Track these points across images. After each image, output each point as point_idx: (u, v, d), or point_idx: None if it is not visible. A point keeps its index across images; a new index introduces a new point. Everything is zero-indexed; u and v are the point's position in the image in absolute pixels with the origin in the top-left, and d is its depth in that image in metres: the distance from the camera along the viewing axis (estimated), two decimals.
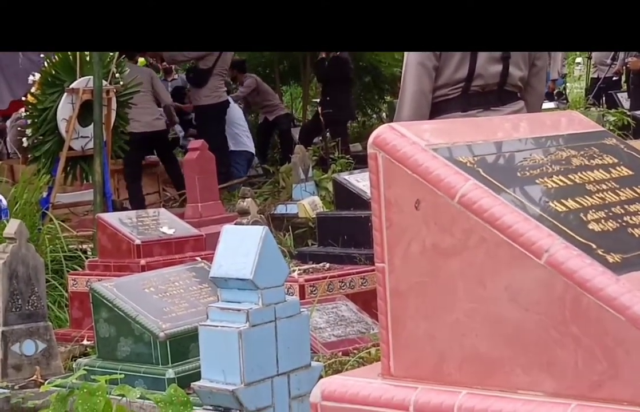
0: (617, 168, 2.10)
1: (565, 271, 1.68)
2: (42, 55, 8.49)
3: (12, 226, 5.28)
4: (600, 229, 1.82)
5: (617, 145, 2.22)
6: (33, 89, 8.19)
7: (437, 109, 4.07)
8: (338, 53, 12.75)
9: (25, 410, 4.57)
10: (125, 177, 11.22)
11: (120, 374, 4.19)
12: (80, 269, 6.80)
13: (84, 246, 7.54)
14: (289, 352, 3.60)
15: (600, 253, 1.72)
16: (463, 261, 1.80)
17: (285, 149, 13.17)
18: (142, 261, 5.97)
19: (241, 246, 3.55)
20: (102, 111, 7.93)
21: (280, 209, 9.60)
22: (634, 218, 1.91)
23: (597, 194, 1.95)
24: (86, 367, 4.38)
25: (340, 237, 6.69)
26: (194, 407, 3.61)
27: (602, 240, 1.77)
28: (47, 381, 4.58)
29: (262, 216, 6.15)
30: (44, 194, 8.17)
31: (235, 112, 12.98)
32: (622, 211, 1.92)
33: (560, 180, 1.96)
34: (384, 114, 16.39)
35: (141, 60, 13.29)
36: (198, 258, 5.54)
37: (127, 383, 3.95)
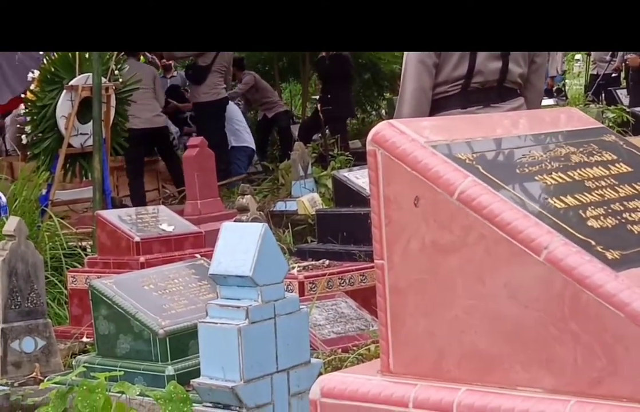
0: (617, 165, 2.10)
1: (565, 268, 1.68)
2: (41, 53, 8.49)
3: (12, 223, 5.28)
4: (599, 226, 1.82)
5: (616, 142, 2.22)
6: (32, 86, 8.19)
7: (436, 106, 4.07)
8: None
9: (25, 407, 4.57)
10: (127, 173, 11.23)
11: (119, 371, 4.19)
12: (80, 266, 6.80)
13: (84, 243, 7.55)
14: (288, 349, 3.60)
15: (600, 250, 1.72)
16: (462, 258, 1.80)
17: (285, 146, 13.19)
18: (142, 258, 5.97)
19: (240, 243, 3.55)
20: (102, 108, 7.93)
21: (280, 206, 9.61)
22: (633, 215, 1.91)
23: (596, 191, 1.95)
24: (86, 365, 4.38)
25: (339, 234, 6.69)
26: (194, 404, 3.61)
27: (601, 237, 1.77)
28: (46, 378, 4.58)
29: (261, 213, 6.14)
30: (43, 191, 8.18)
31: (233, 109, 12.99)
32: (622, 208, 1.92)
33: (560, 177, 1.96)
34: (383, 111, 16.39)
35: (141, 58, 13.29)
36: (197, 255, 5.55)
37: (126, 380, 3.95)
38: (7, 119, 13.80)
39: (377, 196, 1.91)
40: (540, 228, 1.73)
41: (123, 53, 8.96)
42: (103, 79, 8.03)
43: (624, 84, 15.85)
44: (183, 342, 4.39)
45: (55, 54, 8.14)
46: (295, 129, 14.16)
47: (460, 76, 4.05)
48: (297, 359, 3.64)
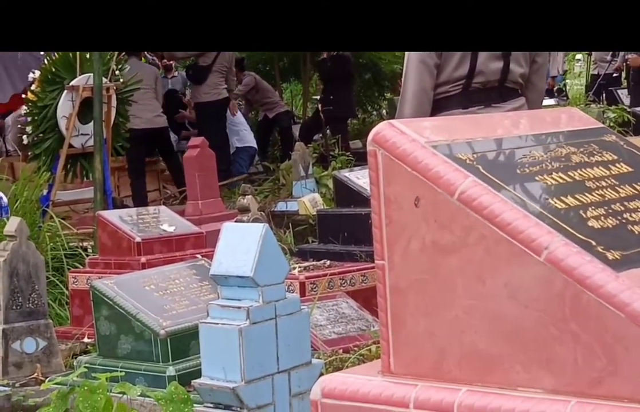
0: (617, 165, 2.10)
1: (565, 268, 1.68)
2: (42, 53, 8.50)
3: (13, 223, 5.28)
4: (599, 226, 1.82)
5: (617, 142, 2.22)
6: (33, 87, 8.19)
7: (438, 106, 4.07)
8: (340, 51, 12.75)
9: (26, 408, 4.57)
10: (129, 174, 11.22)
11: (120, 371, 4.19)
12: (81, 267, 6.81)
13: (85, 244, 7.54)
14: (289, 350, 3.61)
15: (600, 250, 1.72)
16: (462, 258, 1.80)
17: (286, 146, 13.19)
18: (143, 259, 5.97)
19: (241, 243, 3.56)
20: (102, 108, 7.93)
21: (281, 207, 9.61)
22: (633, 215, 1.91)
23: (596, 191, 1.95)
24: (87, 365, 4.38)
25: (340, 234, 6.69)
26: (195, 405, 3.61)
27: (601, 237, 1.77)
28: (47, 379, 4.58)
29: (262, 213, 6.14)
30: (45, 192, 8.18)
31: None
32: (622, 208, 1.92)
33: (560, 177, 1.96)
34: (384, 111, 16.38)
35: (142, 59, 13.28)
36: (198, 256, 5.55)
37: (127, 381, 3.95)
38: (8, 119, 13.80)
39: (378, 196, 1.91)
40: (541, 228, 1.73)
41: (124, 53, 8.96)
42: (104, 79, 8.03)
43: (624, 84, 15.85)
44: (184, 342, 4.39)
45: (56, 54, 8.14)
46: (296, 129, 14.16)
47: (461, 76, 4.05)
48: (298, 360, 3.64)
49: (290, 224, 8.61)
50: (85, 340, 5.75)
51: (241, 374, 3.47)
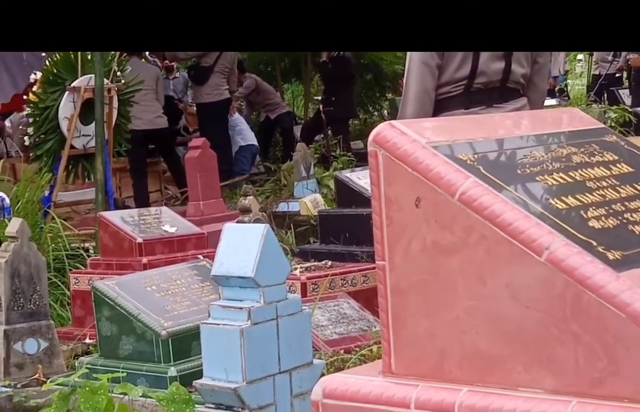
0: (618, 165, 2.10)
1: (566, 269, 1.68)
2: (43, 54, 8.50)
3: (14, 224, 5.28)
4: (600, 227, 1.82)
5: (618, 142, 2.22)
6: (35, 88, 8.19)
7: (439, 107, 4.07)
8: (340, 52, 12.75)
9: (28, 409, 4.58)
10: (131, 175, 11.23)
11: (122, 372, 4.19)
12: (82, 268, 6.81)
13: (86, 245, 7.55)
14: (290, 350, 3.61)
15: (601, 250, 1.72)
16: (463, 259, 1.80)
17: (287, 147, 13.19)
18: (144, 259, 5.97)
19: (243, 244, 3.56)
20: (104, 109, 7.94)
21: (282, 207, 9.61)
22: (634, 215, 1.91)
23: (597, 191, 1.95)
24: (88, 366, 4.38)
25: (342, 234, 6.69)
26: (196, 406, 3.61)
27: (602, 237, 1.77)
28: (49, 380, 4.58)
29: (263, 213, 6.15)
30: (46, 193, 8.18)
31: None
32: (623, 208, 1.92)
33: (561, 177, 1.96)
34: (385, 112, 16.38)
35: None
36: (200, 256, 5.55)
37: (129, 381, 3.95)
38: (8, 121, 13.81)
39: (379, 197, 1.91)
40: (542, 229, 1.73)
41: (125, 54, 8.96)
42: (105, 81, 8.04)
43: (626, 84, 15.84)
44: (185, 343, 4.39)
45: (57, 55, 8.14)
46: (297, 130, 14.17)
47: (463, 77, 4.05)
48: (299, 360, 3.65)
49: (291, 225, 8.61)
50: (87, 341, 5.75)
51: (242, 375, 3.47)
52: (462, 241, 1.80)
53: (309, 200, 9.07)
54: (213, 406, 3.56)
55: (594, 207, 1.87)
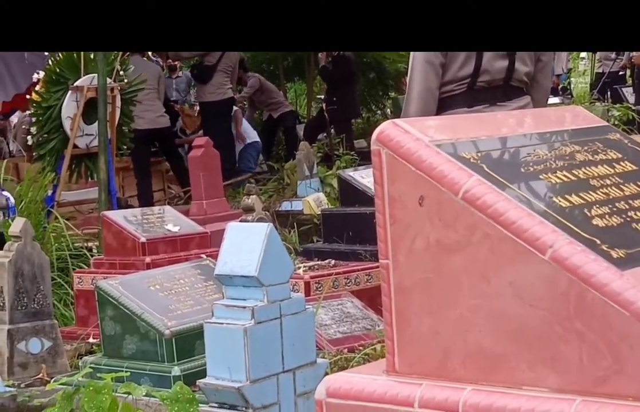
0: (621, 163, 2.09)
1: (570, 267, 1.67)
2: (46, 54, 8.51)
3: (18, 224, 5.29)
4: (604, 225, 1.82)
5: (621, 140, 2.22)
6: (38, 87, 8.20)
7: (443, 105, 4.07)
8: (341, 52, 12.75)
9: (31, 408, 4.58)
10: (135, 174, 11.24)
11: (126, 371, 4.19)
12: (86, 267, 6.81)
13: (89, 244, 7.56)
14: (294, 349, 3.61)
15: (605, 249, 1.72)
16: (467, 257, 1.80)
17: (290, 146, 13.21)
18: (148, 259, 5.98)
19: (246, 243, 3.56)
20: (107, 109, 7.94)
21: (285, 206, 9.61)
22: (638, 213, 1.90)
23: (601, 190, 1.94)
24: (92, 365, 4.38)
25: (345, 233, 6.69)
26: (200, 405, 3.61)
27: (606, 235, 1.77)
28: (53, 379, 4.59)
29: (267, 212, 6.15)
30: (49, 192, 8.19)
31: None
32: (626, 206, 1.91)
33: (564, 175, 1.96)
34: (388, 110, 16.39)
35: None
36: (203, 255, 5.55)
37: (133, 381, 3.95)
38: (11, 120, 13.82)
39: (382, 196, 1.91)
40: (545, 227, 1.73)
41: (128, 53, 8.97)
42: (108, 80, 8.04)
43: (629, 82, 15.83)
44: (189, 342, 4.39)
45: (60, 54, 8.15)
46: (300, 129, 14.18)
47: (466, 75, 4.04)
48: (303, 359, 3.64)
49: (294, 224, 8.62)
50: (91, 340, 5.76)
51: (246, 374, 3.47)
52: (465, 239, 1.80)
53: (312, 199, 9.07)
54: (217, 405, 3.56)
55: (597, 206, 1.87)
